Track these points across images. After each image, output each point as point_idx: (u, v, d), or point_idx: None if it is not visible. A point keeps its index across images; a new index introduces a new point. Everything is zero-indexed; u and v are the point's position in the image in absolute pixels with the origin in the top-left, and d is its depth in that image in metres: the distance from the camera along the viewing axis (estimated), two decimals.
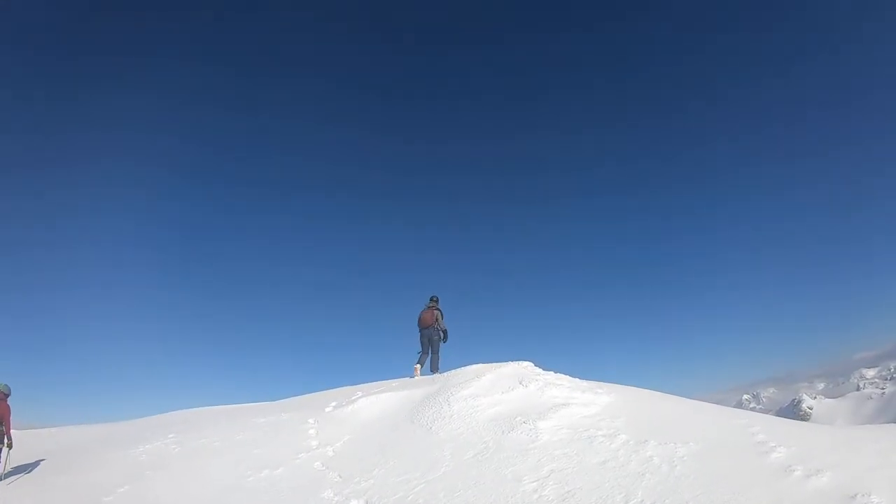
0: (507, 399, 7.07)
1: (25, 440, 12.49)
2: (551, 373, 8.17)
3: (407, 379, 10.23)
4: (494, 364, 8.34)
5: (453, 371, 8.69)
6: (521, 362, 8.31)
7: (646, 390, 8.45)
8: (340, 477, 5.62)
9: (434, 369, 10.72)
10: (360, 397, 8.49)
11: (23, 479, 8.04)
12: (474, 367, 8.45)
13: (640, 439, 5.46)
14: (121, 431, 10.94)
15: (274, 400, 13.13)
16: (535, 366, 8.40)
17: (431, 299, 11.43)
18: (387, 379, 10.88)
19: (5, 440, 7.92)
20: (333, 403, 8.79)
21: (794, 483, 4.10)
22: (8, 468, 7.90)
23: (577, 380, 8.24)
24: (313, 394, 11.51)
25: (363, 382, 11.11)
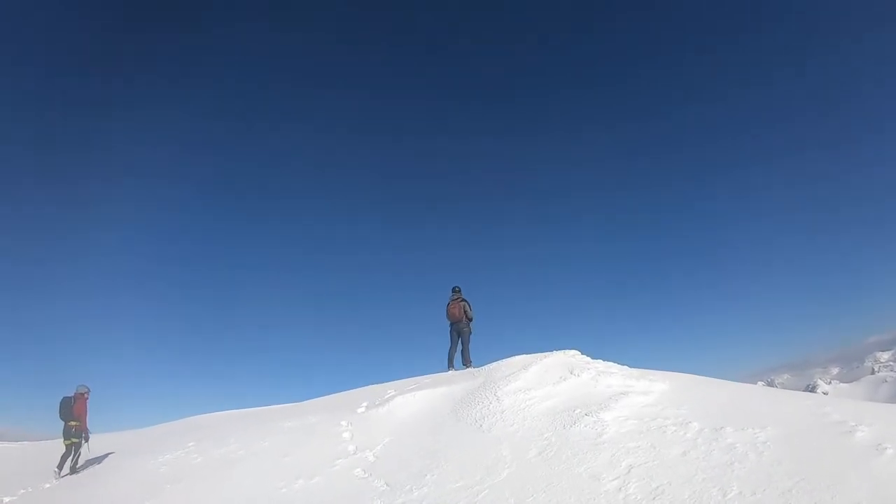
0: (559, 391, 6.38)
1: (31, 452, 12.00)
2: (600, 361, 7.47)
3: (440, 374, 9.56)
4: (539, 354, 7.65)
5: (493, 364, 8.00)
6: (566, 351, 7.61)
7: (697, 376, 7.77)
8: (388, 485, 4.96)
9: (466, 362, 10.05)
10: (393, 396, 7.83)
11: (33, 494, 7.48)
12: (517, 358, 7.76)
13: (715, 426, 4.88)
14: (135, 441, 10.35)
15: (295, 402, 12.54)
16: (582, 354, 7.70)
17: (454, 291, 10.74)
18: (416, 376, 10.23)
19: (83, 435, 8.83)
20: (365, 404, 8.13)
21: (890, 462, 3.77)
22: (83, 461, 8.76)
23: (626, 367, 7.55)
24: (338, 394, 10.85)
25: (390, 380, 10.48)
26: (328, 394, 11.82)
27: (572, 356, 7.48)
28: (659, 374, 7.26)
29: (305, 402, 11.70)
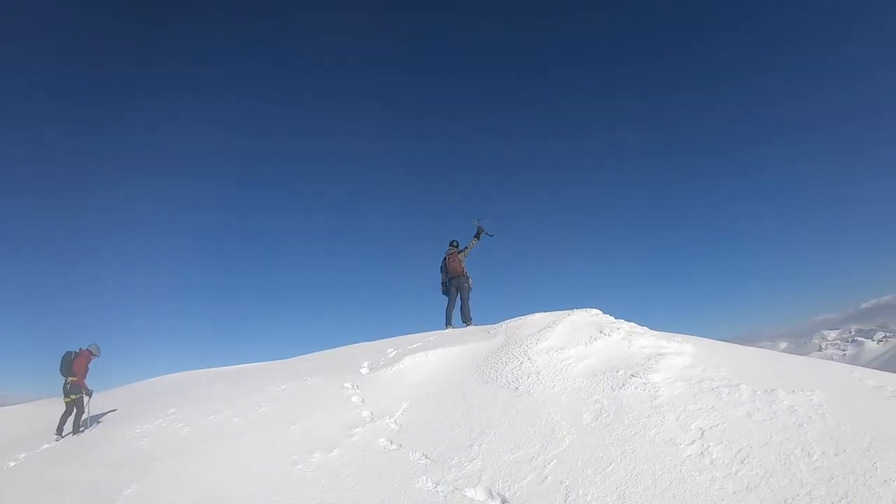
0: (593, 351, 5.93)
1: (27, 412, 10.72)
2: (622, 321, 7.09)
3: (442, 332, 8.99)
4: (561, 312, 7.16)
5: (510, 321, 7.46)
6: (588, 310, 7.16)
7: (711, 340, 7.60)
8: (427, 458, 4.37)
9: (466, 320, 9.53)
10: (401, 355, 7.19)
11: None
12: (537, 315, 7.24)
13: (766, 389, 4.62)
14: (99, 406, 9.30)
15: (273, 361, 11.69)
16: (604, 313, 7.28)
17: (451, 244, 10.10)
18: (405, 334, 9.62)
19: (83, 391, 8.41)
20: (366, 364, 7.46)
21: None
22: (86, 419, 8.33)
23: (646, 328, 7.21)
24: (324, 352, 10.12)
25: (377, 339, 9.83)
26: (306, 353, 11.09)
27: (594, 315, 7.05)
28: (678, 336, 7.00)
29: (288, 360, 10.90)
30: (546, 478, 3.71)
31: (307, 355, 10.60)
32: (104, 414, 9.00)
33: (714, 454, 3.61)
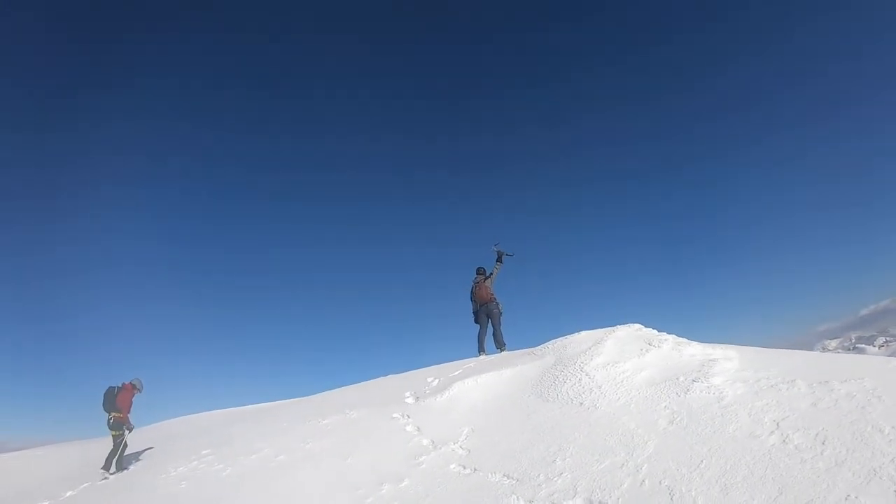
0: (647, 362, 5.87)
1: (13, 465, 10.17)
2: (665, 333, 7.07)
3: (482, 358, 8.85)
4: (605, 329, 7.11)
5: (555, 341, 7.38)
6: (631, 325, 7.14)
7: (749, 346, 7.63)
8: (510, 477, 4.21)
9: (500, 346, 9.41)
10: (446, 382, 7.04)
11: None
12: (583, 334, 7.18)
13: (820, 381, 4.62)
14: (128, 448, 8.88)
15: (299, 398, 11.34)
16: (645, 327, 7.26)
17: (478, 272, 10.09)
18: (434, 365, 9.47)
19: (125, 427, 8.27)
20: (409, 393, 7.28)
21: None
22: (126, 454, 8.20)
23: (685, 339, 7.21)
24: (358, 385, 9.87)
25: (411, 369, 9.65)
26: (328, 389, 10.81)
27: (638, 329, 7.02)
28: (718, 345, 7.02)
29: (311, 397, 10.60)
30: (643, 481, 3.62)
31: (332, 391, 10.34)
32: (132, 455, 8.61)
33: (795, 440, 3.68)
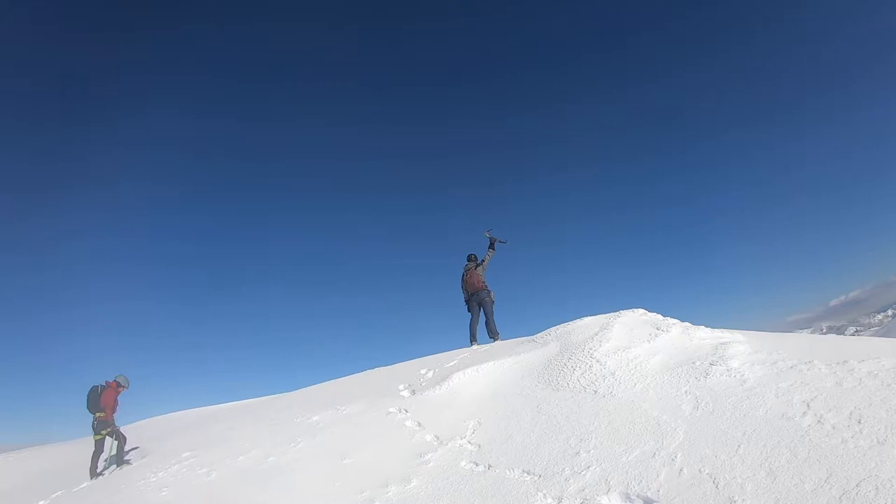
0: (659, 347, 5.66)
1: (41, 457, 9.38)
2: (670, 318, 6.89)
3: (477, 348, 8.52)
4: (609, 315, 6.87)
5: (557, 328, 7.11)
6: (635, 310, 6.93)
7: (752, 331, 7.58)
8: (531, 474, 3.90)
9: (493, 335, 9.12)
10: (444, 373, 6.69)
11: None
12: (587, 320, 6.93)
13: (838, 360, 4.54)
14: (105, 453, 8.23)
15: (283, 393, 10.78)
16: (649, 312, 7.07)
17: (469, 259, 9.77)
18: (424, 356, 9.10)
19: (111, 426, 7.80)
20: (403, 386, 6.91)
21: None
22: (111, 464, 7.69)
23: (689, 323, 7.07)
24: (342, 379, 9.41)
25: (397, 361, 9.26)
26: (309, 385, 10.31)
27: (642, 314, 6.82)
28: (724, 330, 6.93)
29: (296, 391, 10.08)
30: (681, 470, 3.39)
31: (316, 386, 9.84)
32: (106, 459, 8.00)
33: (831, 420, 3.56)
